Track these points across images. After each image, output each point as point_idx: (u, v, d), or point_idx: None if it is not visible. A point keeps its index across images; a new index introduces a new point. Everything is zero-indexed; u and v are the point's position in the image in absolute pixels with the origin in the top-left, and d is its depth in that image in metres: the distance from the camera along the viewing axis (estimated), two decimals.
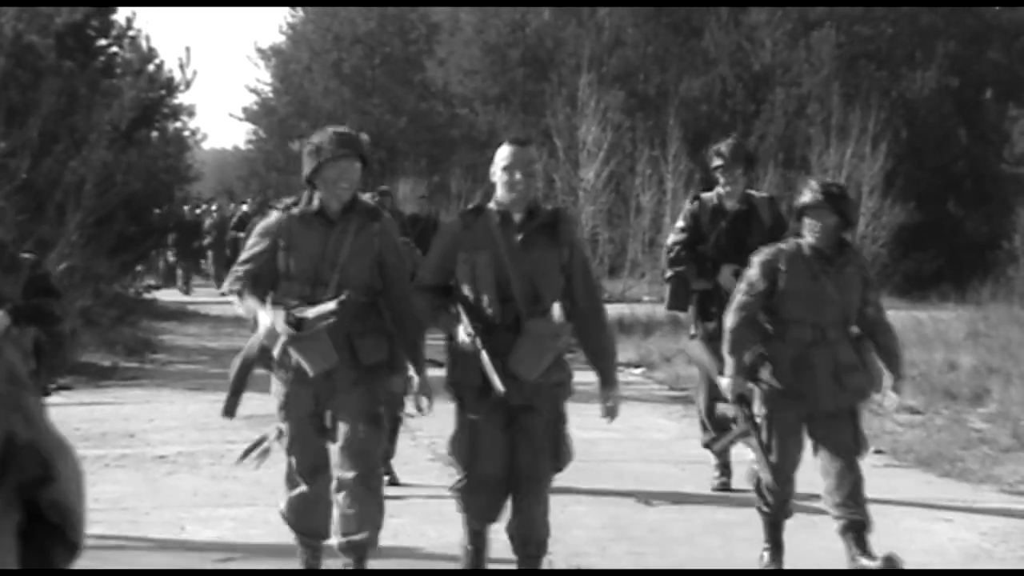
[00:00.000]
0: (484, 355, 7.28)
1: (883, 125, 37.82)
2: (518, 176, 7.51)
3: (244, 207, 35.51)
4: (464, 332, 7.39)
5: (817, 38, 42.41)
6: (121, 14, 22.45)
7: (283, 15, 72.42)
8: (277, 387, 7.84)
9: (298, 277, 7.66)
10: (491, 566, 7.95)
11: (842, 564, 8.21)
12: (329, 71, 49.90)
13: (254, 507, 10.24)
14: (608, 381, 7.84)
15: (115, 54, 22.44)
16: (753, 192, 11.41)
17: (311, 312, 7.44)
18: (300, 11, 52.87)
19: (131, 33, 22.64)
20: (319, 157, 7.61)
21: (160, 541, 9.25)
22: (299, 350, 7.52)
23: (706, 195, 11.38)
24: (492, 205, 7.66)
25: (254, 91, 54.14)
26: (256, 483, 11.14)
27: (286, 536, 9.15)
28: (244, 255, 7.85)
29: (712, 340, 10.08)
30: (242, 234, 29.73)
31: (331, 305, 7.38)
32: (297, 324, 7.40)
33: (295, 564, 8.19)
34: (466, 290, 7.56)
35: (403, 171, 43.09)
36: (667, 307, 12.09)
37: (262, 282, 7.72)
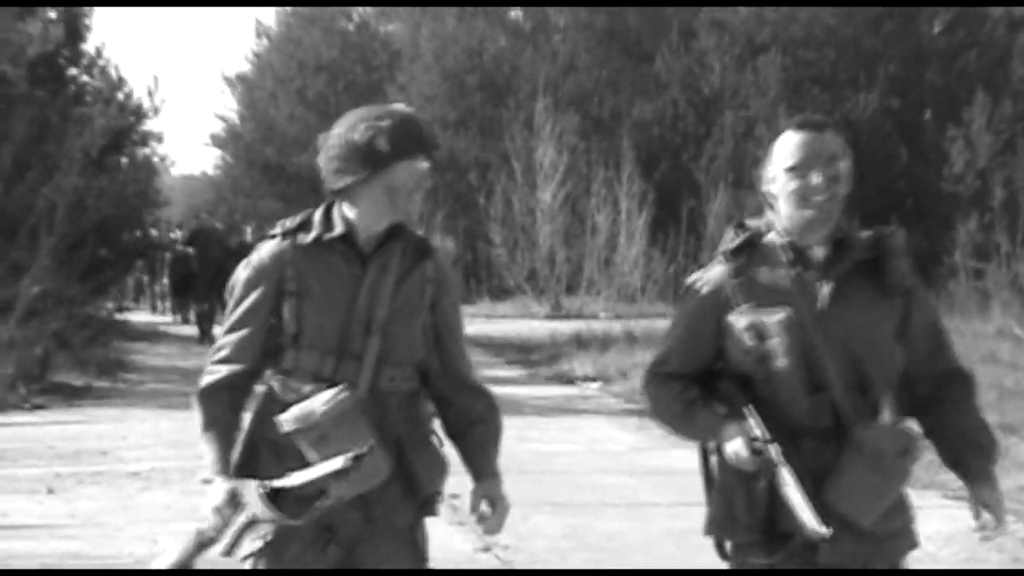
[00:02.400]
0: (787, 474, 4.36)
1: None
2: (816, 180, 4.51)
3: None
4: (746, 439, 4.45)
5: (764, 62, 42.56)
6: (91, 44, 22.44)
7: (249, 45, 72.28)
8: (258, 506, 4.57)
9: (314, 345, 4.69)
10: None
11: None
12: (294, 98, 49.91)
13: None
14: (987, 480, 4.57)
15: (85, 83, 22.41)
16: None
17: (301, 476, 4.52)
18: (265, 40, 52.91)
19: (101, 62, 22.63)
20: (379, 150, 4.54)
21: (134, 555, 9.21)
22: (324, 452, 4.54)
23: (752, 223, 9.03)
24: (772, 236, 4.66)
25: (221, 118, 54.17)
26: None
27: None
28: (231, 318, 4.83)
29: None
30: (191, 249, 27.20)
31: (338, 463, 4.44)
32: (274, 498, 4.51)
33: None
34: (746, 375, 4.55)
35: None
36: None
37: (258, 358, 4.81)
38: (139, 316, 32.92)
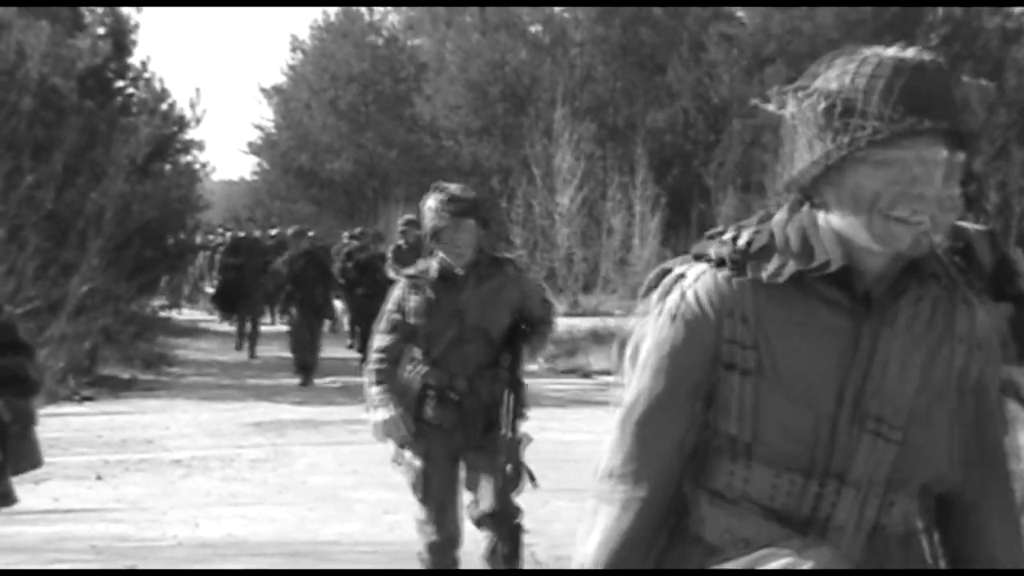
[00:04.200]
0: None
1: None
2: None
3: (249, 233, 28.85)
4: None
5: (770, 73, 42.50)
6: (137, 58, 22.49)
7: (284, 58, 72.41)
8: None
9: (775, 456, 2.54)
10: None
11: None
12: (326, 108, 50.00)
13: (261, 506, 10.23)
14: None
15: (131, 94, 22.42)
16: (966, 224, 6.90)
17: None
18: (300, 53, 52.99)
19: (146, 75, 22.63)
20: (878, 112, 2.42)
21: (177, 537, 9.23)
22: None
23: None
24: None
25: (258, 127, 54.33)
26: (263, 484, 11.18)
27: (291, 533, 9.20)
28: (637, 404, 2.71)
29: None
30: (233, 260, 23.74)
31: None
32: None
33: (296, 560, 8.17)
34: None
35: (394, 198, 43.14)
36: None
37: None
38: (191, 315, 32.93)
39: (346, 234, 24.45)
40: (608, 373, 20.30)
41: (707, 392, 2.59)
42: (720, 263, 2.59)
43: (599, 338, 24.11)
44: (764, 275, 2.53)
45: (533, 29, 48.77)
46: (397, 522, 9.48)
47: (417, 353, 6.58)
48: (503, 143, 45.19)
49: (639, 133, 41.18)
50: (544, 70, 45.13)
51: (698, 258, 2.65)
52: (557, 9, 47.98)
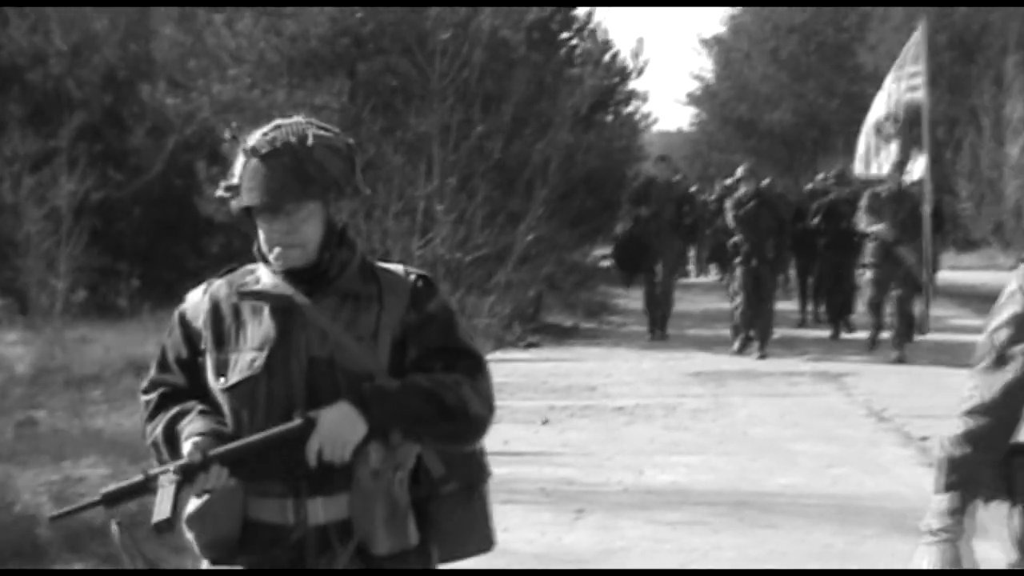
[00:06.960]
0: None
1: None
2: None
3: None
4: None
5: None
6: (581, 9, 22.81)
7: (725, 8, 72.33)
8: None
9: None
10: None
11: None
12: (767, 58, 49.75)
13: (703, 455, 10.30)
14: None
15: (576, 46, 22.80)
16: None
17: None
18: (740, 4, 52.94)
19: (590, 27, 22.96)
20: None
21: (622, 483, 9.39)
22: None
23: None
24: None
25: (697, 77, 54.47)
26: (705, 434, 11.25)
27: (734, 483, 9.25)
28: None
29: None
30: (643, 209, 18.49)
31: None
32: None
33: (740, 510, 8.20)
34: None
35: (834, 150, 42.59)
36: None
37: None
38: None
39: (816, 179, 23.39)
40: None
41: None
42: None
43: None
44: None
45: None
46: (841, 475, 9.42)
47: None
48: (949, 92, 43.94)
49: None
50: (995, 16, 43.66)
51: None
52: None
